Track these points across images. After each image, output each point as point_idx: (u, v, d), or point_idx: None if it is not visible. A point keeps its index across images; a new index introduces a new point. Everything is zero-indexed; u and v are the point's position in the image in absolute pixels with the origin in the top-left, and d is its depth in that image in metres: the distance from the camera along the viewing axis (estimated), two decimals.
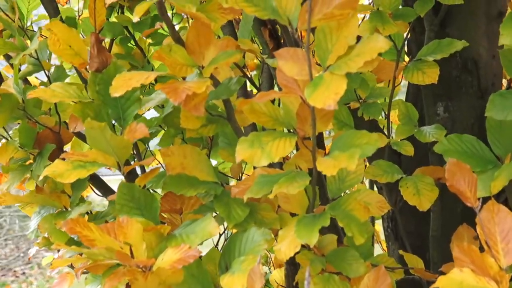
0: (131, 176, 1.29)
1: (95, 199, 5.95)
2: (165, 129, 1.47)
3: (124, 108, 1.18)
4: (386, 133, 1.61)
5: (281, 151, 1.02)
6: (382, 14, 1.35)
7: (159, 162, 1.91)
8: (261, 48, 1.63)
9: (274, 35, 1.55)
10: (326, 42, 1.00)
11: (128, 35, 1.82)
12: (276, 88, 1.76)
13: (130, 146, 1.14)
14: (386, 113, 1.50)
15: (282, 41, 1.58)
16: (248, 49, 1.23)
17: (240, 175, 1.63)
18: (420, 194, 1.35)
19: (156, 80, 1.66)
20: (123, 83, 1.04)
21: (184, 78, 1.15)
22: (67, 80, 1.43)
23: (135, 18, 0.96)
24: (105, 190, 1.67)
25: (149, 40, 1.86)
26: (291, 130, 1.10)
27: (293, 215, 1.27)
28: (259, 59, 1.68)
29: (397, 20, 1.37)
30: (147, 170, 1.32)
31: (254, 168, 1.72)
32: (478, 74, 1.56)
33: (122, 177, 1.25)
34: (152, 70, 1.79)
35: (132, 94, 1.17)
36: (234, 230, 1.25)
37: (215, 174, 1.23)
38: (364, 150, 1.05)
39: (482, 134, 1.61)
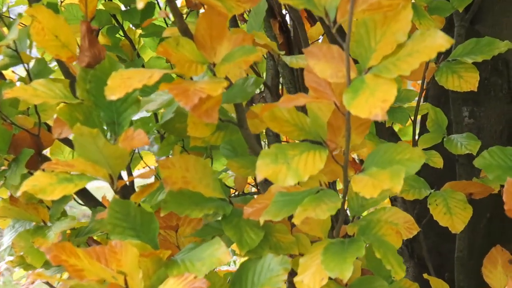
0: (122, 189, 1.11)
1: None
2: (164, 135, 1.29)
3: (120, 111, 1.00)
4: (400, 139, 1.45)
5: (310, 167, 0.86)
6: (417, 7, 1.18)
7: (147, 165, 1.73)
8: None
9: (284, 28, 1.38)
10: (368, 39, 0.83)
11: (116, 24, 1.63)
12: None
13: (126, 157, 0.96)
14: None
15: (292, 35, 1.42)
16: (264, 44, 1.06)
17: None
18: (452, 214, 1.18)
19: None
20: (121, 83, 0.86)
21: (190, 78, 0.98)
22: (51, 76, 1.23)
23: (140, 4, 0.78)
24: (88, 198, 1.48)
25: (139, 31, 1.67)
26: (320, 142, 0.93)
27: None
28: (265, 56, 1.50)
29: (432, 14, 1.21)
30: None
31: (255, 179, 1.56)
32: (508, 76, 1.41)
33: None
34: (143, 65, 1.61)
35: (130, 95, 0.99)
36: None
37: (222, 190, 1.06)
38: (408, 167, 0.89)
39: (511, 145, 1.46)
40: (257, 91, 1.51)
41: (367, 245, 1.01)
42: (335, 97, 0.86)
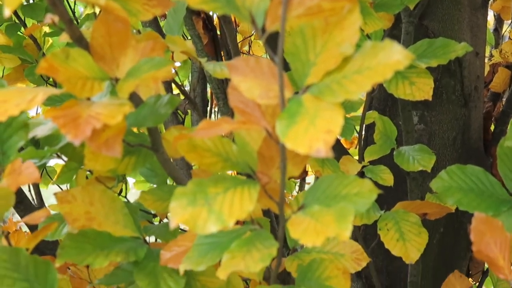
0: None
1: None
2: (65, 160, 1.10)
3: (3, 138, 0.81)
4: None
5: (237, 210, 0.68)
6: (362, 5, 1.01)
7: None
8: (189, 39, 1.27)
9: (209, 26, 1.19)
10: (306, 50, 0.66)
11: (17, 21, 1.42)
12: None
13: (11, 197, 0.77)
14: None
15: (219, 34, 1.24)
16: (182, 50, 0.88)
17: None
18: (406, 240, 1.03)
19: None
20: None
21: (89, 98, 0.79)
22: None
23: (6, 12, 0.59)
24: None
25: (46, 29, 1.47)
26: (250, 175, 0.76)
27: None
28: (191, 59, 1.32)
29: (379, 12, 1.04)
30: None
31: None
32: (462, 76, 1.26)
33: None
34: None
35: (15, 119, 0.80)
36: None
37: (136, 226, 0.88)
38: (357, 205, 0.73)
39: (465, 152, 1.32)
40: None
41: None
42: (266, 121, 0.70)
